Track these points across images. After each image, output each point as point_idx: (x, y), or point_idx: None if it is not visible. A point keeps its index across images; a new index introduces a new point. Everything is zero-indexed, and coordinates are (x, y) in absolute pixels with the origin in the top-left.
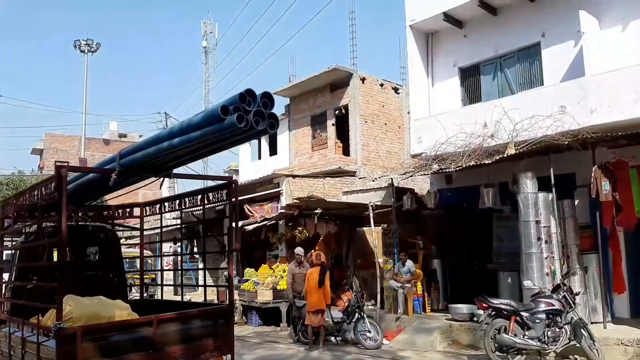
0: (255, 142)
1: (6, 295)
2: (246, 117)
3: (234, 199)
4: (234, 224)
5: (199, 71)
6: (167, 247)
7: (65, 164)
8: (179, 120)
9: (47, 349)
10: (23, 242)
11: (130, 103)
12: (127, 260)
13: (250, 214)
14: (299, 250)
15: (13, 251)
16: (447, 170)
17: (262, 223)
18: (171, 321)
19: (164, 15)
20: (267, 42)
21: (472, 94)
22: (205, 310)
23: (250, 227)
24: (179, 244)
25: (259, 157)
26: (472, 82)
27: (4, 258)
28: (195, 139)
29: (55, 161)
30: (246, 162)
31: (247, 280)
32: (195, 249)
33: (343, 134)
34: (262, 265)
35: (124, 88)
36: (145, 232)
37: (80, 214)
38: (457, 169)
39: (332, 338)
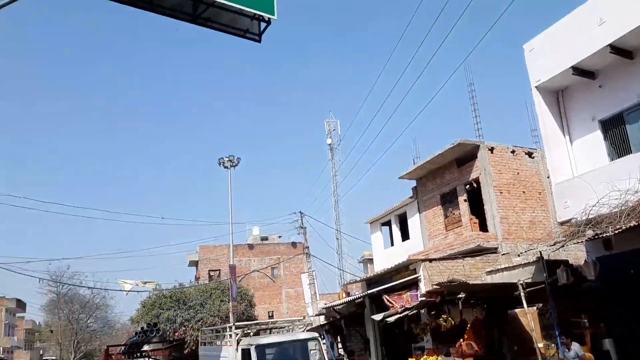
0: (386, 228)
1: None
2: None
3: None
4: None
5: (327, 168)
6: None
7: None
8: (314, 218)
9: None
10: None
11: (269, 207)
12: None
13: (390, 305)
14: None
15: None
16: (604, 235)
17: (403, 314)
18: None
19: (291, 119)
20: (388, 129)
21: (619, 147)
22: None
23: (391, 319)
24: (324, 340)
25: (392, 244)
26: (617, 134)
27: None
28: None
29: (209, 270)
30: (379, 250)
31: None
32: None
33: (477, 209)
34: (409, 359)
35: (262, 193)
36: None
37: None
38: (617, 232)
39: None
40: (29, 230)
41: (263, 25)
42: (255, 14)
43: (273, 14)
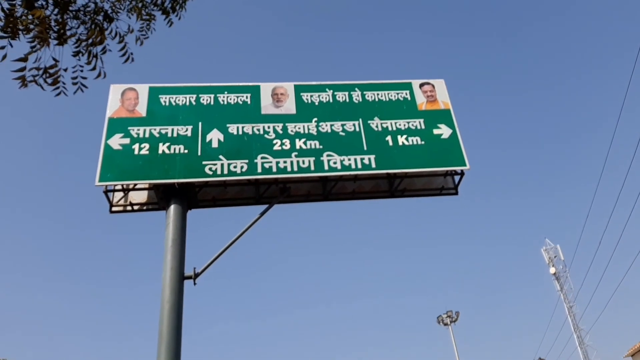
0: None
1: None
2: None
3: None
4: None
5: (559, 304)
6: None
7: None
8: None
9: None
10: None
11: (499, 357)
12: None
13: None
14: None
15: None
16: None
17: None
18: None
19: (496, 254)
20: (625, 237)
21: None
22: None
23: None
24: None
25: None
26: None
27: None
28: None
29: None
30: None
31: None
32: None
33: None
34: None
35: (487, 343)
36: None
37: None
38: None
39: None
40: None
41: (457, 178)
42: (447, 170)
43: (465, 165)
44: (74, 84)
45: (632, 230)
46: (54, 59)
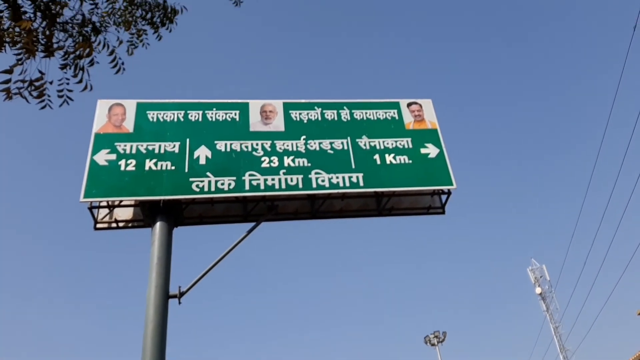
0: None
1: None
2: None
3: None
4: None
5: (546, 324)
6: None
7: None
8: None
9: None
10: None
11: None
12: None
13: None
14: None
15: None
16: None
17: None
18: None
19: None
20: (611, 255)
21: None
22: None
23: None
24: None
25: None
26: None
27: None
28: None
29: None
30: None
31: None
32: None
33: None
34: None
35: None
36: None
37: None
38: None
39: None
40: None
41: (444, 197)
42: (434, 190)
43: (452, 184)
44: (60, 96)
45: (617, 248)
46: (40, 72)
